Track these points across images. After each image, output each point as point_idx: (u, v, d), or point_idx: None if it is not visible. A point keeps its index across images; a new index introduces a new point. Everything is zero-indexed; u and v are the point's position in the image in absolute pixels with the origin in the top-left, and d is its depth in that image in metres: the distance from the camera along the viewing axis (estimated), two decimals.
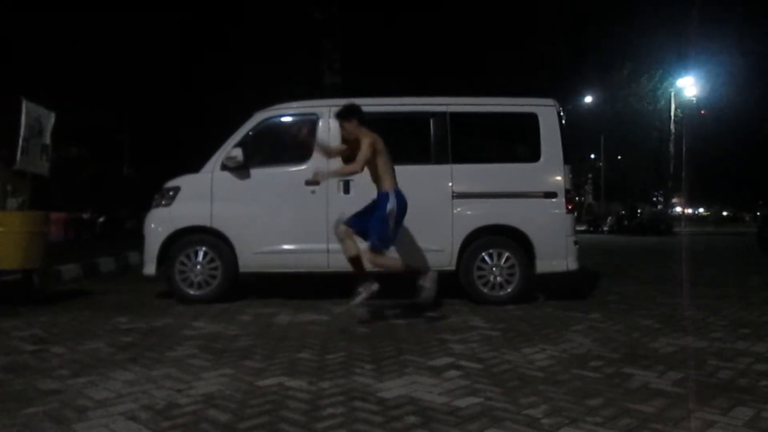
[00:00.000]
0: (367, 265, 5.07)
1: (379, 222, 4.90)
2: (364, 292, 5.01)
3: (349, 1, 15.19)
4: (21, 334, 4.61)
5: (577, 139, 28.56)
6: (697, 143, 34.39)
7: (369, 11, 17.21)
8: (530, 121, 6.31)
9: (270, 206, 6.15)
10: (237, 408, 2.90)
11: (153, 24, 19.74)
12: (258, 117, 6.34)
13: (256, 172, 6.18)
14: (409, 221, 5.96)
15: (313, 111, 6.37)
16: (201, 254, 6.14)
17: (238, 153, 6.05)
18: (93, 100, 19.19)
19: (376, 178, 5.03)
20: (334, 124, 6.20)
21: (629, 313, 5.60)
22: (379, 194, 5.00)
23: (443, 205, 6.12)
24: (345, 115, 5.05)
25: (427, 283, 4.98)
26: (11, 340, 4.43)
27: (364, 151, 4.82)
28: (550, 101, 6.43)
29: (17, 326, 4.91)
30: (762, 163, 37.48)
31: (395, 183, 5.00)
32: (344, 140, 5.20)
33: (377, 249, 4.92)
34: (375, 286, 5.01)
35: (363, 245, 5.00)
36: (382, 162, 4.94)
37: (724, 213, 44.76)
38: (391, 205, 4.89)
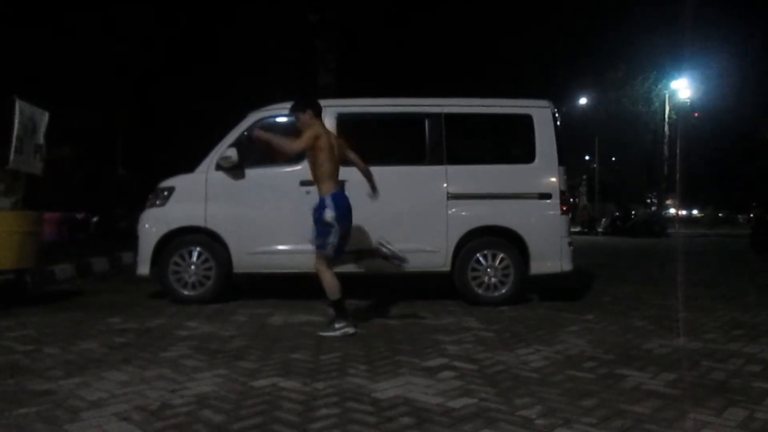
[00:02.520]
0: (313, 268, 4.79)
1: (319, 226, 4.63)
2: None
3: (343, 2, 15.17)
4: (13, 335, 4.58)
5: (571, 141, 28.66)
6: (690, 145, 34.58)
7: (364, 11, 17.18)
8: (525, 123, 6.32)
9: (264, 207, 6.13)
10: (231, 409, 2.90)
11: (148, 24, 19.69)
12: (252, 117, 6.32)
13: (251, 173, 6.16)
14: (403, 222, 5.98)
15: None
16: (195, 254, 6.12)
17: (232, 153, 6.02)
18: (87, 100, 19.12)
19: (315, 178, 4.76)
20: (328, 123, 6.20)
21: (623, 315, 5.61)
22: (319, 198, 4.70)
23: (438, 206, 6.11)
24: (297, 107, 4.81)
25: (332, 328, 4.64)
26: (4, 340, 4.40)
27: (303, 140, 4.58)
28: (544, 102, 6.44)
29: (10, 326, 4.88)
30: (755, 165, 37.71)
31: (335, 186, 4.68)
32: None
33: (323, 254, 4.65)
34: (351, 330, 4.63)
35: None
36: (322, 160, 4.63)
37: (720, 214, 45.02)
38: (330, 213, 4.57)
